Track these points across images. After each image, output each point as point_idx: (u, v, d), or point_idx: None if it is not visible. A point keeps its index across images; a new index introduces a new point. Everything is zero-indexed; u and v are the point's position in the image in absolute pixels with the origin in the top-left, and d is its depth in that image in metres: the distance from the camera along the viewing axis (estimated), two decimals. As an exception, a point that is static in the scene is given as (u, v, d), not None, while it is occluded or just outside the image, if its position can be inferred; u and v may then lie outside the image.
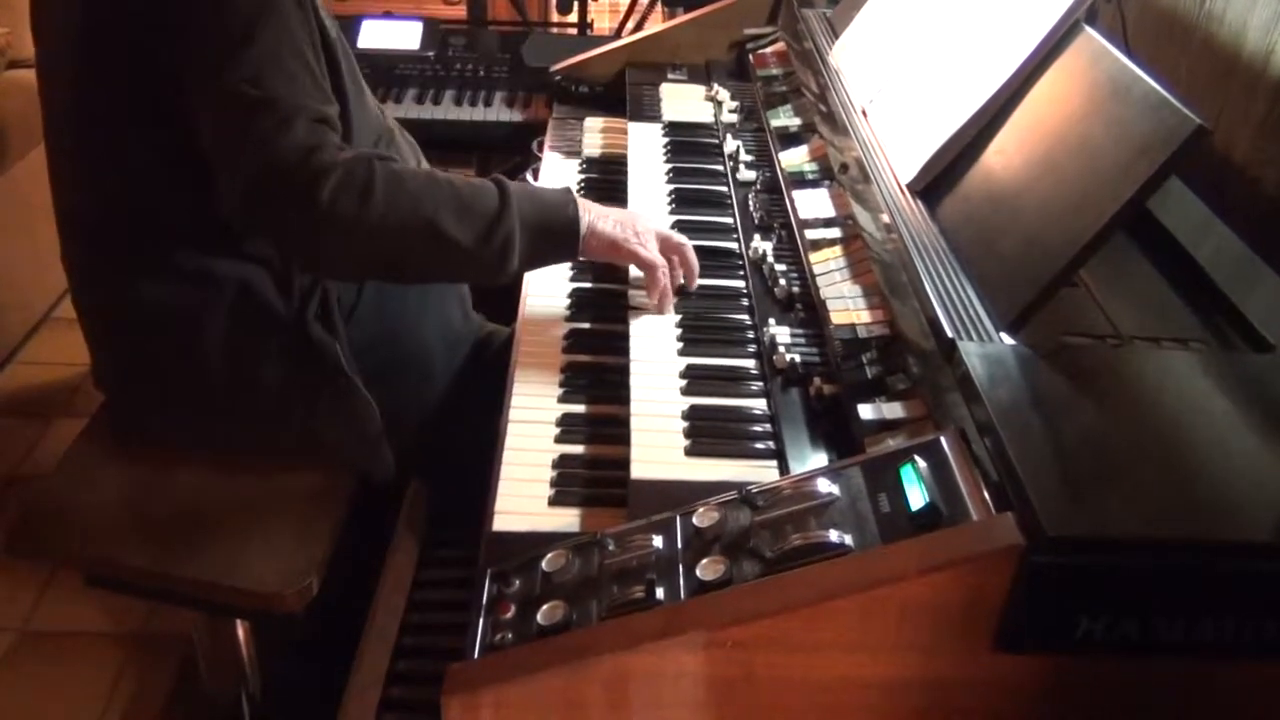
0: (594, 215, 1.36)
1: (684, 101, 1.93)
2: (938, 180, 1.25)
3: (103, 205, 1.39)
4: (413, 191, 1.26)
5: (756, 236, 1.49)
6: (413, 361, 1.52)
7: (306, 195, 1.20)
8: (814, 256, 1.36)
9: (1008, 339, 1.01)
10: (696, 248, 1.46)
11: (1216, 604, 0.84)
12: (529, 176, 1.86)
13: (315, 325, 1.39)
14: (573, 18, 2.91)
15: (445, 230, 1.26)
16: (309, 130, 1.22)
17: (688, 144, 1.79)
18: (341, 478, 1.47)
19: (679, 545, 0.94)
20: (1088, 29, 1.17)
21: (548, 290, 1.48)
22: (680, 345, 1.32)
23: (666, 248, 1.40)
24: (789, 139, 1.65)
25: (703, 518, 0.94)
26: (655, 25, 2.25)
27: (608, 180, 1.76)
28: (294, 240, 1.29)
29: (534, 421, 1.25)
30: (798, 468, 1.11)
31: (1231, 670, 0.89)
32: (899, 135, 1.33)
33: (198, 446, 1.47)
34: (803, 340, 1.29)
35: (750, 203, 1.58)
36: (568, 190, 1.38)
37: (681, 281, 1.41)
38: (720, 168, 1.71)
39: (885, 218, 1.23)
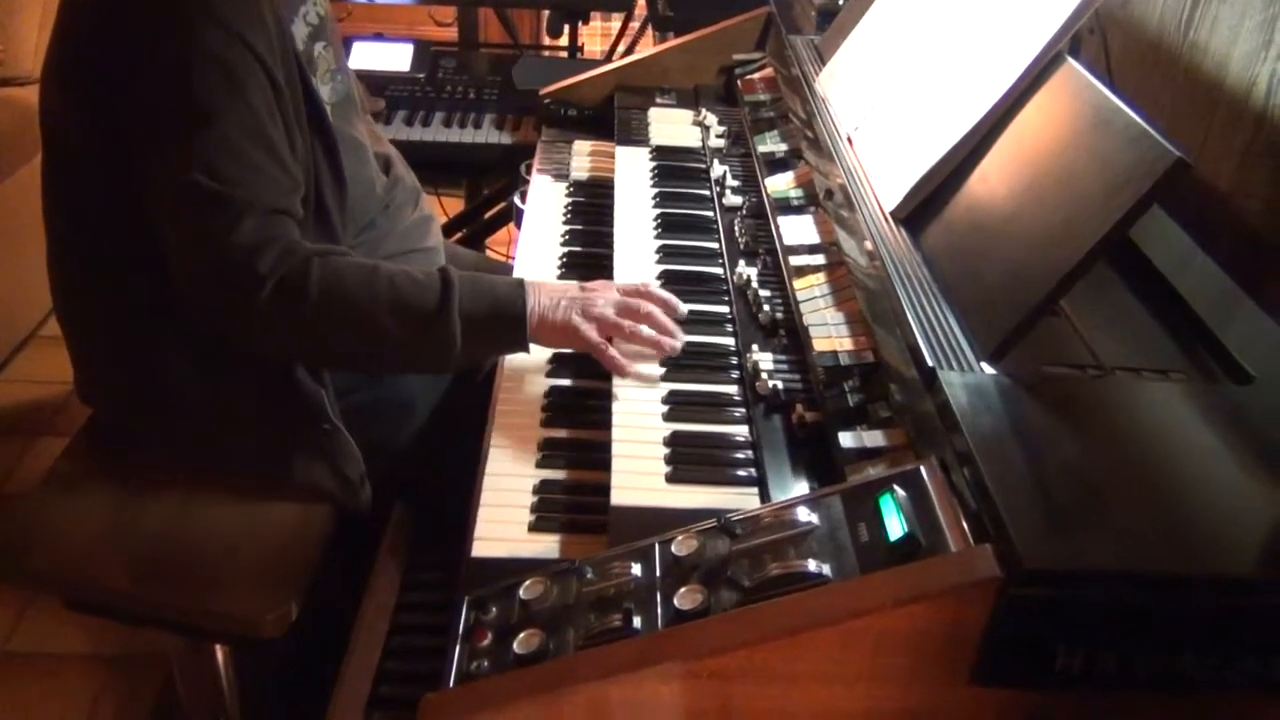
0: (544, 306, 1.32)
1: (672, 126, 1.94)
2: (921, 209, 1.25)
3: (84, 228, 1.39)
4: (350, 292, 1.27)
5: (741, 262, 1.49)
6: (396, 401, 1.52)
7: (243, 298, 1.23)
8: (798, 283, 1.36)
9: (989, 369, 1.01)
10: (682, 273, 1.46)
11: (1195, 638, 0.84)
12: (516, 199, 1.86)
13: (302, 373, 1.38)
14: (563, 41, 2.92)
15: (381, 329, 1.27)
16: (257, 228, 1.22)
17: (675, 168, 1.79)
18: (323, 505, 1.46)
19: (657, 573, 0.94)
20: (1070, 60, 1.18)
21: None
22: (663, 371, 1.32)
23: (624, 312, 1.34)
24: (775, 164, 1.65)
25: (681, 546, 0.94)
26: (646, 50, 2.26)
27: (595, 204, 1.76)
28: (234, 333, 1.32)
29: (515, 446, 1.24)
30: (778, 495, 1.11)
31: (1209, 704, 0.89)
32: (883, 163, 1.34)
33: (180, 464, 1.45)
34: (785, 367, 1.29)
35: (736, 228, 1.58)
36: (520, 283, 1.33)
37: (658, 337, 1.34)
38: (707, 192, 1.72)
39: (869, 245, 1.23)
